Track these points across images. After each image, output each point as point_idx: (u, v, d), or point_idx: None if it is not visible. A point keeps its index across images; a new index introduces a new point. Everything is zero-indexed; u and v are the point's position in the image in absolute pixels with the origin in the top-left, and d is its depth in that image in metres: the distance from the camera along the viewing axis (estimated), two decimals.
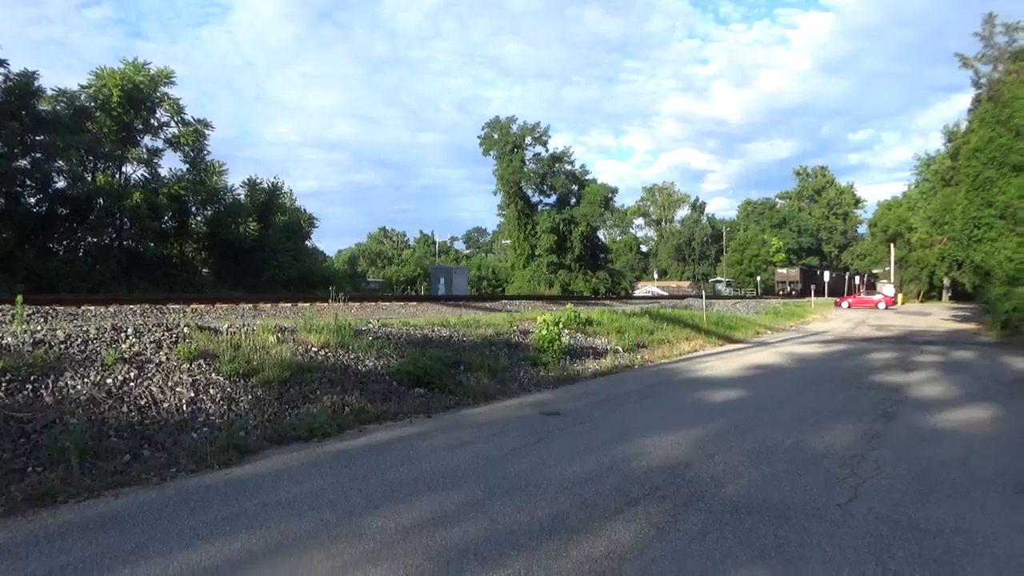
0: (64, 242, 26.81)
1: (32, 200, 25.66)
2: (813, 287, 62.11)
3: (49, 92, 25.79)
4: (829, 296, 67.13)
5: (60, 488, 4.91)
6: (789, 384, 11.09)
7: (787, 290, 70.40)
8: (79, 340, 7.25)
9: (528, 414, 8.33)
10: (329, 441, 6.73)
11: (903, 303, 60.57)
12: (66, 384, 6.38)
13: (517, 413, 8.42)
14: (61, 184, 25.97)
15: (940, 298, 69.60)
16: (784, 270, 75.87)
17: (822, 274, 73.44)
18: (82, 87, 26.97)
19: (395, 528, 4.25)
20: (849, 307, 51.97)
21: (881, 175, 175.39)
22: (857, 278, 79.92)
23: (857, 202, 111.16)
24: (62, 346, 7.02)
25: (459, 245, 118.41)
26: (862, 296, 58.98)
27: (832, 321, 33.80)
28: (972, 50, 27.16)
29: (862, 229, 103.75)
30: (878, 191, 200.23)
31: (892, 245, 72.42)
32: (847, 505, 4.69)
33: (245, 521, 4.37)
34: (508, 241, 64.17)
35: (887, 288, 60.00)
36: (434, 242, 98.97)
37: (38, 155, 24.87)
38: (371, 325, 11.22)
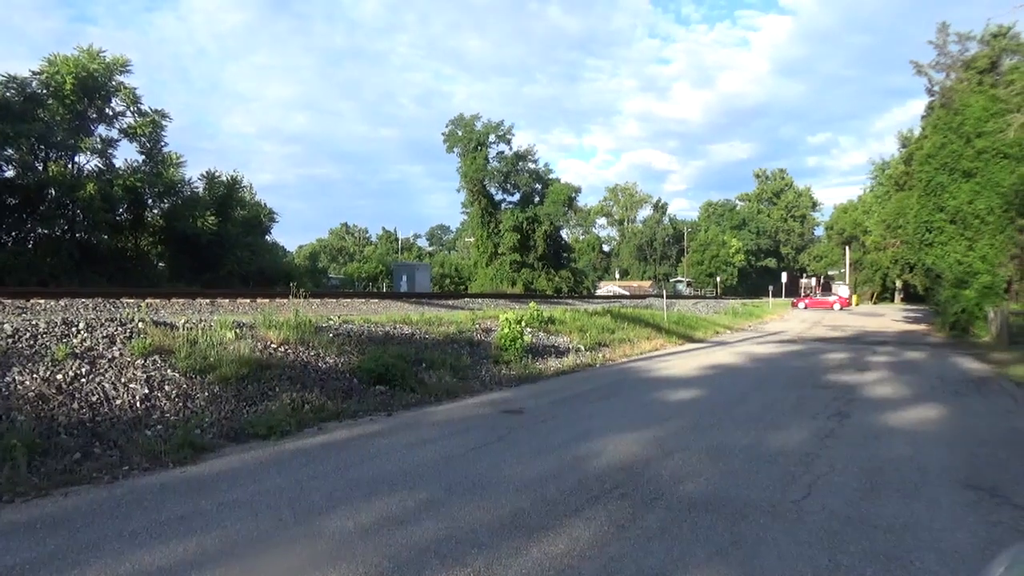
0: (13, 233, 25.85)
1: None
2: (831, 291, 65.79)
3: None
4: (786, 297, 68.85)
5: (6, 487, 4.75)
6: (746, 383, 11.28)
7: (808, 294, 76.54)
8: (28, 334, 7.03)
9: (490, 412, 8.33)
10: (288, 439, 6.64)
11: (857, 304, 62.01)
12: (13, 380, 6.18)
13: (479, 411, 8.42)
14: (10, 173, 25.05)
15: (893, 299, 71.56)
16: (806, 280, 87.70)
17: (779, 276, 76.42)
18: (33, 73, 26.01)
19: (354, 527, 4.21)
20: (805, 308, 53.02)
21: (838, 178, 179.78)
22: (813, 280, 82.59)
23: (814, 205, 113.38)
24: (9, 340, 6.80)
25: (422, 242, 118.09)
26: (818, 297, 60.23)
27: (789, 321, 34.45)
28: (926, 58, 28.06)
29: (819, 231, 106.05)
30: (835, 194, 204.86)
31: (847, 247, 74.27)
32: (801, 502, 4.78)
33: (201, 521, 4.29)
34: (471, 239, 64.07)
35: (842, 289, 61.35)
36: (397, 239, 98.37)
37: None
38: (332, 322, 11.10)
